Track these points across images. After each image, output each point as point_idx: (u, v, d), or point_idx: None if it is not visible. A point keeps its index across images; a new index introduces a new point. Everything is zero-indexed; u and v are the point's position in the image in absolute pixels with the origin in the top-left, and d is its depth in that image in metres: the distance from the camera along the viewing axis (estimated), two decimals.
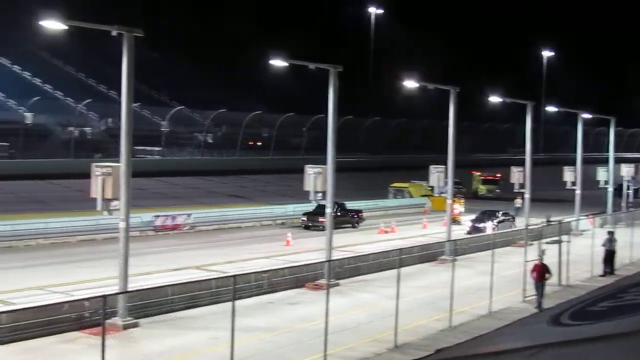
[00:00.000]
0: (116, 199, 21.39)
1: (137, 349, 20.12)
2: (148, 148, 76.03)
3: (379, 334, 21.36)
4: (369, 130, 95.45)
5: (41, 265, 31.29)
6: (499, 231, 40.49)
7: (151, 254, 34.09)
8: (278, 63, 31.28)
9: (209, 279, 25.87)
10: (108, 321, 19.33)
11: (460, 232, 42.81)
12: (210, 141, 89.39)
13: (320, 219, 41.62)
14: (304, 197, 30.74)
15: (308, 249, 35.61)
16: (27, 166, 64.46)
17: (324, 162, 28.79)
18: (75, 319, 20.87)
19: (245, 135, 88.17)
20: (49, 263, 31.95)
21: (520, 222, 43.90)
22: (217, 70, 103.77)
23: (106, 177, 21.31)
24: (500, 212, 46.50)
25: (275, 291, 27.02)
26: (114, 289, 21.68)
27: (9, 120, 75.00)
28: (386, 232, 45.14)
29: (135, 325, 21.55)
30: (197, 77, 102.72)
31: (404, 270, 22.07)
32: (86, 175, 22.70)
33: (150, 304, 22.82)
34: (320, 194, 28.78)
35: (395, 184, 62.90)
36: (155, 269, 29.83)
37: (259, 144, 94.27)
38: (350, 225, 46.73)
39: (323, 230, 39.91)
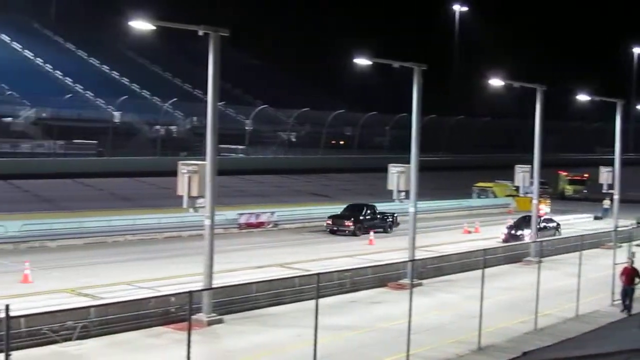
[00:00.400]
0: (202, 196, 21.68)
1: (221, 345, 20.37)
2: (232, 146, 76.84)
3: (462, 335, 21.11)
4: (453, 129, 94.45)
5: (129, 261, 31.97)
6: (537, 239, 35.75)
7: (235, 251, 34.45)
8: (361, 62, 31.24)
9: (293, 277, 26.00)
10: (193, 317, 19.55)
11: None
12: (294, 140, 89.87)
13: (347, 223, 41.67)
14: (387, 196, 30.62)
15: (391, 249, 35.43)
16: (115, 164, 65.96)
17: (407, 161, 28.61)
18: (161, 314, 21.25)
19: (328, 134, 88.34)
20: (136, 259, 32.63)
21: (608, 224, 42.81)
22: (301, 69, 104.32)
23: (192, 175, 21.61)
24: (544, 218, 42.26)
25: (358, 290, 27.00)
26: (199, 286, 21.97)
27: (98, 119, 76.92)
28: (470, 232, 44.62)
29: (219, 322, 21.80)
30: (282, 76, 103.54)
31: (488, 271, 21.75)
32: (172, 173, 23.08)
33: (235, 301, 23.06)
34: (403, 193, 28.59)
35: (480, 184, 62.15)
36: (239, 266, 30.12)
37: (342, 142, 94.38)
38: (382, 229, 43.18)
39: (349, 235, 41.02)
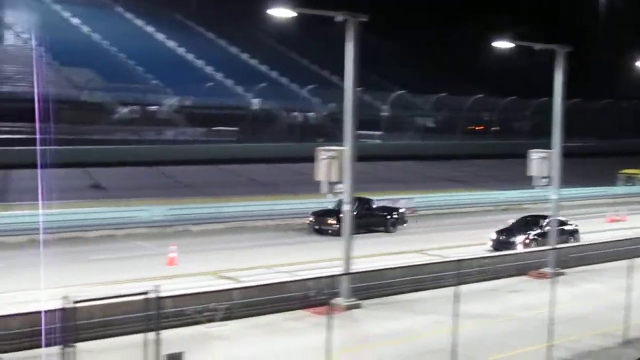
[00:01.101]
0: (340, 182, 21.81)
1: (358, 329, 20.44)
2: (368, 132, 76.96)
3: (606, 326, 20.39)
4: (598, 113, 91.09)
5: (267, 246, 32.62)
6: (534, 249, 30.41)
7: (372, 237, 34.54)
8: (501, 45, 30.55)
9: (431, 263, 25.86)
10: (332, 301, 19.81)
11: None
12: (431, 125, 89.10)
13: (330, 221, 35.40)
14: (526, 182, 29.90)
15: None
16: (254, 150, 67.28)
17: (548, 147, 27.81)
18: (300, 297, 21.55)
19: (465, 120, 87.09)
20: (274, 244, 33.26)
21: None
22: (438, 53, 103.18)
23: (332, 161, 21.76)
24: (549, 220, 30.53)
25: (498, 278, 26.53)
26: (337, 270, 22.15)
27: (237, 106, 78.66)
28: (616, 220, 42.98)
29: (357, 307, 21.93)
30: (419, 61, 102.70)
31: (636, 261, 20.88)
32: (310, 159, 23.32)
33: (373, 286, 23.12)
34: (545, 179, 27.82)
35: (626, 171, 59.76)
36: (377, 251, 30.19)
37: (479, 128, 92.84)
38: (383, 228, 37.41)
39: (332, 234, 34.06)
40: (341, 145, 21.96)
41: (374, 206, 37.58)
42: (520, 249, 30.63)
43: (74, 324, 12.74)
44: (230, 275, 25.61)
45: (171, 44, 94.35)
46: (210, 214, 36.86)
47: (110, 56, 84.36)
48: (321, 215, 36.23)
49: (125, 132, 69.50)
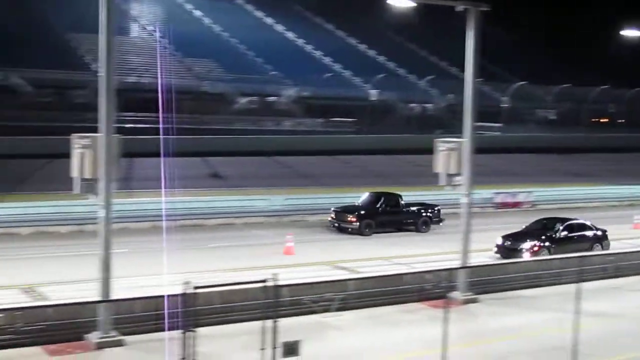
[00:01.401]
0: (459, 174, 21.54)
1: (475, 324, 20.19)
2: (487, 124, 75.76)
3: None
4: None
5: (385, 237, 32.56)
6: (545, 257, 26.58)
7: (491, 230, 33.92)
8: (630, 33, 29.48)
9: (551, 259, 25.20)
10: (448, 295, 19.61)
11: None
12: (552, 117, 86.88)
13: (350, 218, 33.34)
14: None
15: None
16: (372, 141, 67.27)
17: None
18: (416, 290, 21.41)
19: (589, 111, 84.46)
20: (392, 235, 33.14)
21: None
22: (561, 43, 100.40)
23: (450, 153, 21.51)
24: (567, 224, 28.83)
25: (622, 276, 25.61)
26: (453, 264, 21.90)
27: (356, 97, 78.81)
28: None
29: (474, 301, 21.65)
30: (540, 52, 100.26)
31: None
32: (427, 150, 23.10)
33: (491, 281, 22.75)
34: None
35: None
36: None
37: (605, 120, 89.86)
38: (413, 228, 34.72)
39: (352, 233, 32.88)
40: (460, 137, 21.69)
41: (403, 203, 34.89)
42: (527, 257, 26.78)
43: (194, 309, 13.04)
44: (346, 266, 25.69)
45: (290, 35, 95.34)
46: (328, 204, 37.05)
47: (231, 47, 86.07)
48: (341, 212, 34.10)
49: (245, 123, 70.78)
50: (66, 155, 17.54)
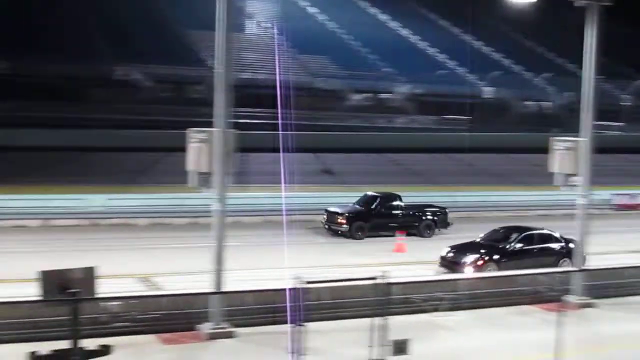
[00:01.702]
0: (576, 174, 20.93)
1: (590, 329, 19.58)
2: (607, 123, 73.42)
3: None
4: None
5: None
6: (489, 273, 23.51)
7: (609, 233, 32.88)
8: None
9: None
10: (563, 298, 19.09)
11: None
12: None
13: (340, 220, 30.83)
14: None
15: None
16: (485, 139, 66.21)
17: None
18: (530, 292, 20.95)
19: None
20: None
21: None
22: None
23: (567, 152, 20.92)
24: (525, 235, 25.43)
25: None
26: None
27: (470, 95, 77.79)
28: None
29: (590, 305, 21.07)
30: None
31: None
32: (543, 149, 22.53)
33: (608, 285, 22.03)
34: None
35: None
36: (614, 248, 28.78)
37: None
38: (415, 231, 31.86)
39: (343, 235, 30.75)
40: (577, 136, 21.08)
41: (403, 204, 32.34)
42: (469, 271, 23.48)
43: (304, 304, 13.13)
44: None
45: (405, 32, 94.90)
46: (441, 202, 36.67)
47: (345, 44, 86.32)
48: (332, 212, 31.58)
49: (358, 119, 70.90)
50: (182, 149, 17.94)
